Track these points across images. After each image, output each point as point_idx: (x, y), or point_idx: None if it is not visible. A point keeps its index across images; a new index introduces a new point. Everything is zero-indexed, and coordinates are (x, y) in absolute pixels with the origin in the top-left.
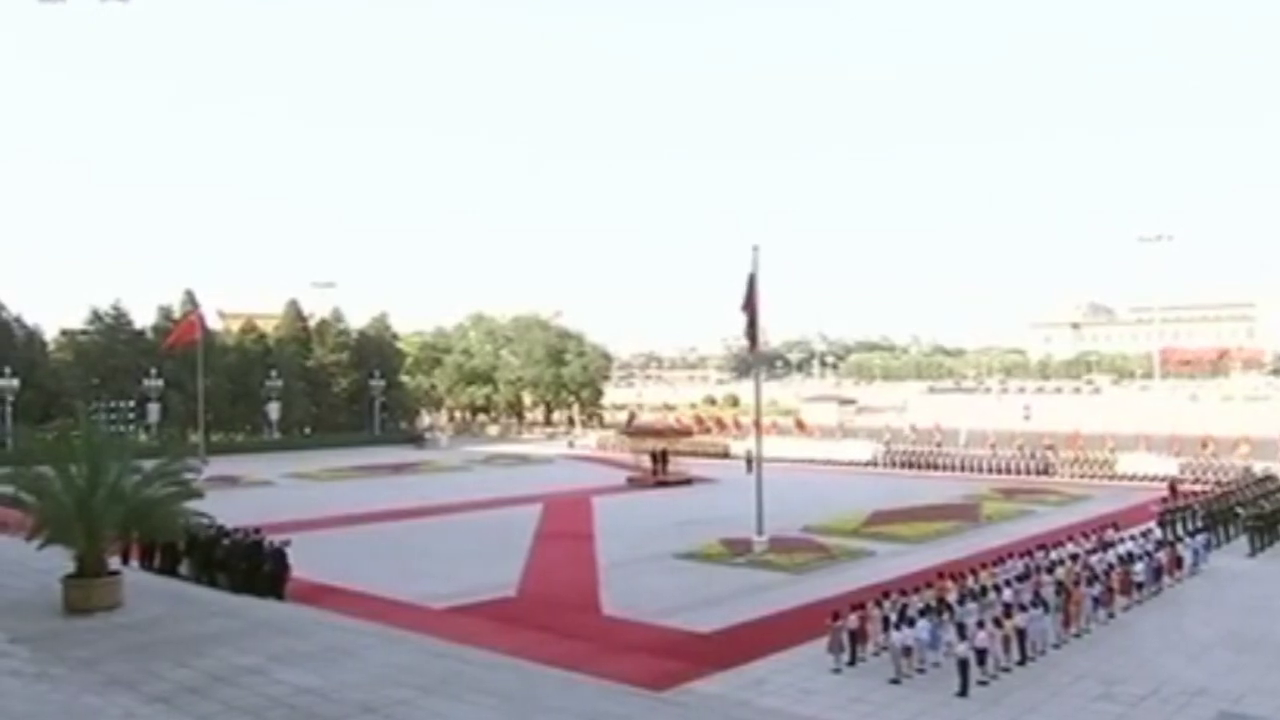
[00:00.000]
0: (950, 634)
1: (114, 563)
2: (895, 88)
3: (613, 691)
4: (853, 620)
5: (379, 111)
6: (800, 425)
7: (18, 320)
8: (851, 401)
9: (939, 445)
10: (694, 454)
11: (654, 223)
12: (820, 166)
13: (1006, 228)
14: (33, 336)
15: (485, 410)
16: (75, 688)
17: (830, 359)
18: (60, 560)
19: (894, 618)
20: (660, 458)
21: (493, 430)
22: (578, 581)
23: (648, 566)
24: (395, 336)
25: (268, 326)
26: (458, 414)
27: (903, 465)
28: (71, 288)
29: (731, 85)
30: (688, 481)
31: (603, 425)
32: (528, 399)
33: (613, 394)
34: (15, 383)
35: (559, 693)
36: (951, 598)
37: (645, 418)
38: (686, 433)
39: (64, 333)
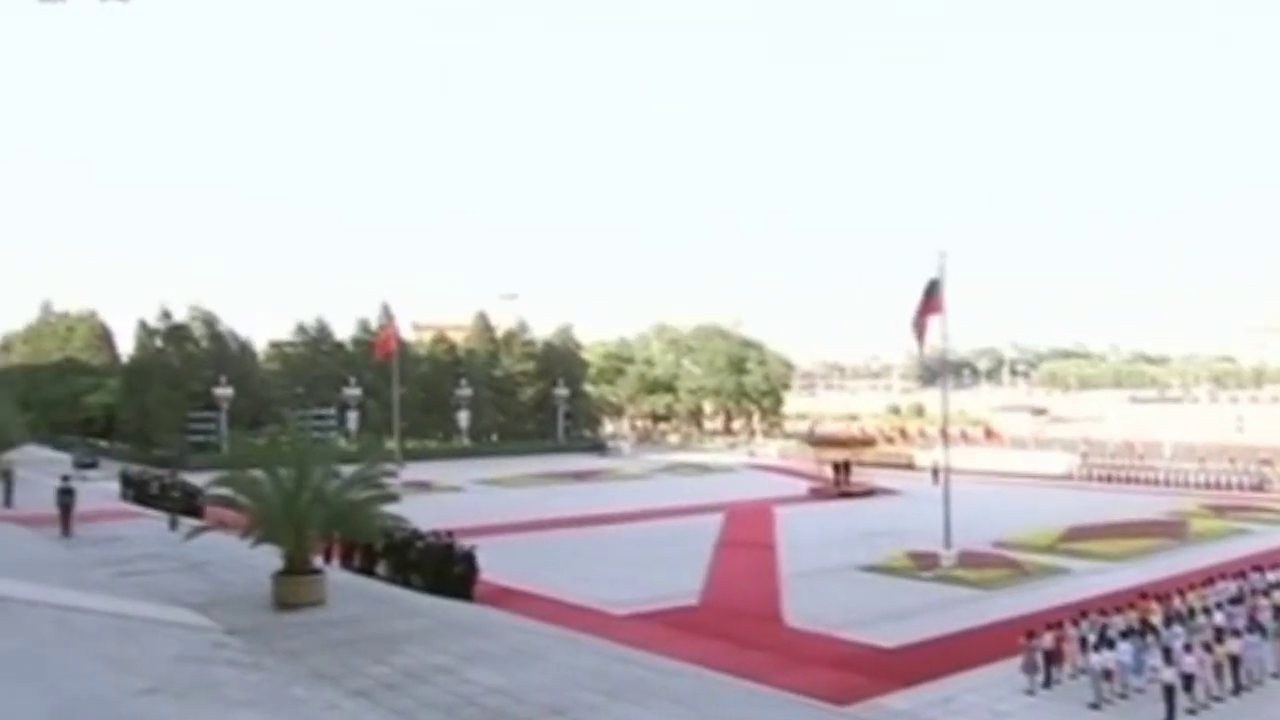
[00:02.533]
0: (1155, 658)
1: (317, 561)
2: (1079, 75)
3: (795, 704)
4: (1048, 640)
5: (555, 121)
6: (989, 435)
7: (232, 333)
8: (1044, 411)
9: (1141, 458)
10: (878, 464)
11: (839, 228)
12: (1008, 165)
13: (1215, 226)
14: (245, 348)
15: (666, 419)
16: (284, 679)
17: (1021, 367)
18: (270, 558)
19: (1093, 639)
20: (843, 468)
21: (674, 439)
22: (760, 591)
23: (831, 578)
24: (579, 346)
25: (458, 337)
26: (639, 422)
27: (1101, 478)
28: (278, 301)
29: (917, 84)
30: (871, 492)
31: (784, 435)
32: (708, 407)
33: (794, 403)
34: (230, 391)
35: (741, 702)
36: (1156, 620)
37: (828, 427)
38: (870, 442)
39: (272, 344)
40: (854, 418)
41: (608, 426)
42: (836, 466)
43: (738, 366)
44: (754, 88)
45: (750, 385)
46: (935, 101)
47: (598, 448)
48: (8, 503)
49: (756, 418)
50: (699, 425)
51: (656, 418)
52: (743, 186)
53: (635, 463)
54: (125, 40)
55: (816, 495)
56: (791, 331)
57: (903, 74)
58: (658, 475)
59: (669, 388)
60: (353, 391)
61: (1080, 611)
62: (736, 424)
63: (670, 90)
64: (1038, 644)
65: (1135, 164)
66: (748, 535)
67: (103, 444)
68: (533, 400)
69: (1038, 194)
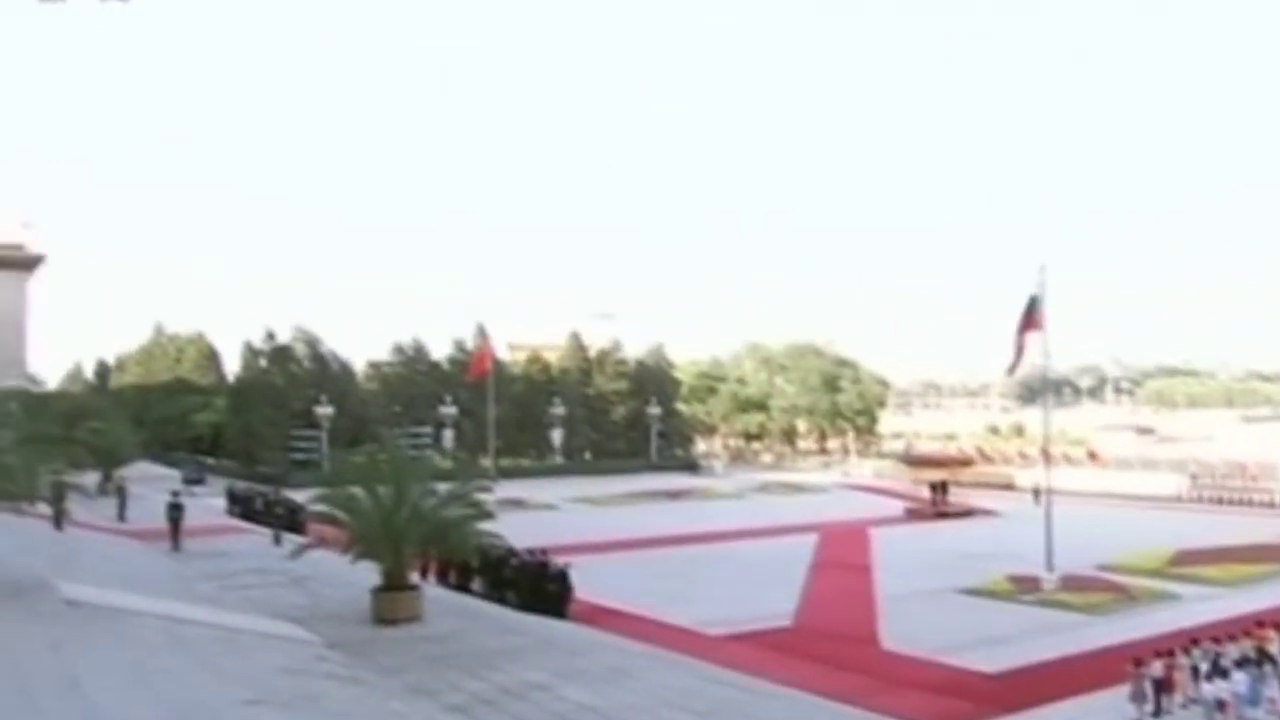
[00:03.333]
0: (1273, 689)
1: (414, 578)
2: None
3: None
4: (1158, 668)
5: (642, 136)
6: (1092, 456)
7: (333, 354)
8: (1150, 430)
9: (1254, 479)
10: (976, 485)
11: (936, 242)
12: (1112, 181)
13: None
14: (345, 368)
15: (759, 438)
16: (382, 693)
17: (1125, 385)
18: (369, 574)
19: (1205, 667)
20: (940, 488)
21: (766, 458)
22: (855, 613)
23: (928, 601)
24: (671, 365)
25: (552, 357)
26: (732, 441)
27: (1211, 500)
28: (376, 321)
29: (1014, 100)
30: (969, 513)
31: (879, 454)
32: (802, 427)
33: (889, 422)
34: (331, 410)
35: None
36: (1274, 649)
37: (924, 446)
38: (968, 462)
39: (371, 364)
40: (951, 437)
41: (700, 445)
42: (933, 487)
43: (832, 385)
44: (846, 88)
45: (844, 404)
46: (1035, 98)
47: (690, 467)
48: (121, 517)
49: (851, 437)
50: (792, 445)
51: (749, 437)
52: (837, 199)
53: (728, 482)
54: (194, 41)
55: (913, 516)
56: (887, 349)
57: (1007, 68)
58: (751, 495)
59: (762, 407)
60: (448, 410)
61: (1191, 639)
62: (830, 443)
63: (761, 96)
64: (1147, 672)
65: (1248, 171)
66: (842, 556)
67: (210, 461)
68: (625, 419)
69: (1141, 204)
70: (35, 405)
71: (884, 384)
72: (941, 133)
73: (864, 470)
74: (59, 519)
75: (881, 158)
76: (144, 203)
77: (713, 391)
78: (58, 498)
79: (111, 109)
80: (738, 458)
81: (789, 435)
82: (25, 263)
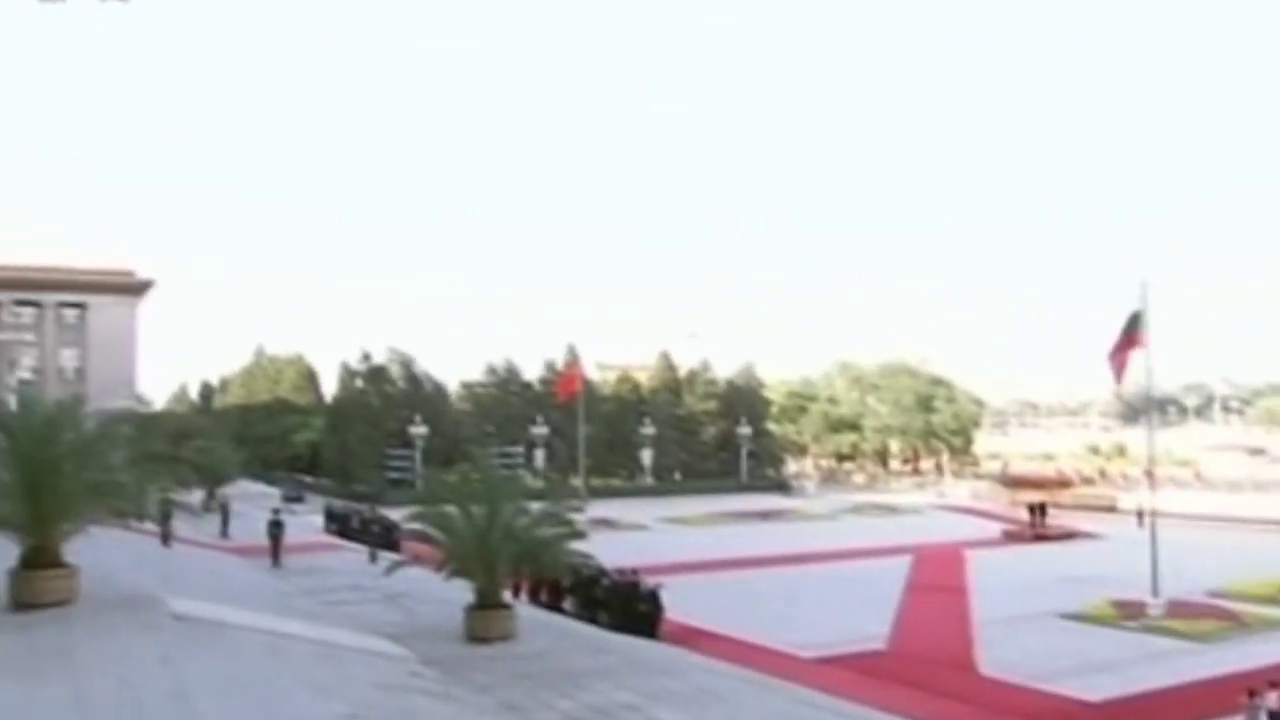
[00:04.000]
0: None
1: (507, 596)
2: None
3: None
4: (1272, 699)
5: (735, 157)
6: (1199, 477)
7: (427, 374)
8: (1262, 451)
9: None
10: (1077, 507)
11: (1032, 258)
12: (1222, 188)
13: None
14: (439, 389)
15: (851, 458)
16: (475, 710)
17: (1234, 404)
18: (463, 592)
19: None
20: (1039, 510)
21: (859, 478)
22: (951, 638)
23: (1027, 626)
24: (761, 385)
25: (641, 377)
26: (823, 461)
27: None
28: (468, 340)
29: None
30: (1070, 536)
31: (975, 475)
32: (895, 447)
33: (985, 442)
34: (424, 429)
35: None
36: None
37: (1021, 467)
38: (1067, 484)
39: (464, 385)
40: (1050, 457)
41: (791, 466)
42: (1032, 509)
43: (925, 405)
44: (936, 92)
45: (939, 424)
46: (1150, 97)
47: (781, 487)
48: (224, 534)
49: (945, 457)
50: (885, 465)
51: (841, 457)
52: (928, 209)
53: (820, 503)
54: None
55: (1011, 538)
56: (982, 367)
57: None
58: (843, 516)
59: (854, 427)
60: (540, 430)
61: None
62: (924, 464)
63: (840, 106)
64: (1261, 703)
65: None
66: (938, 579)
67: (308, 479)
68: (715, 439)
69: (1252, 212)
70: (144, 425)
71: (979, 403)
72: (1040, 136)
73: (959, 491)
74: (166, 535)
75: (973, 166)
76: (246, 226)
77: (803, 411)
78: (165, 515)
79: (208, 132)
80: (829, 478)
81: (882, 456)
82: (135, 288)
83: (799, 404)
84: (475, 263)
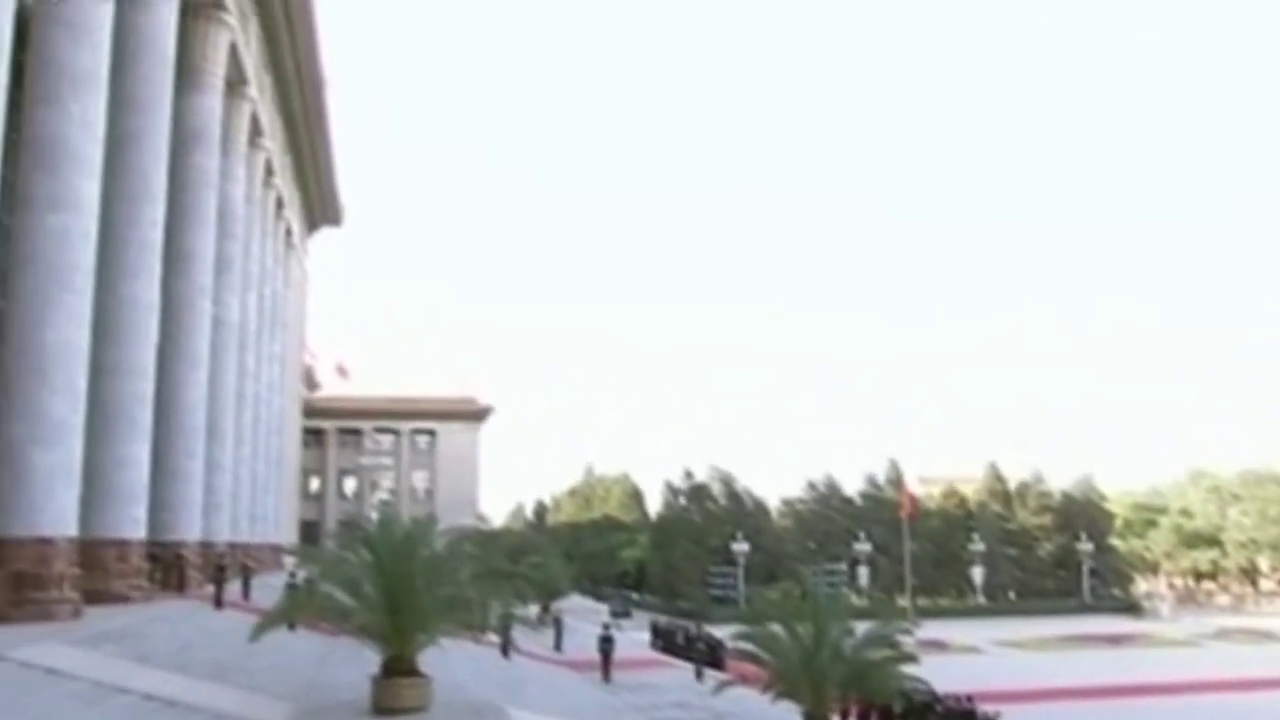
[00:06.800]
0: None
1: None
2: None
3: None
4: None
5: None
6: None
7: (748, 491)
8: None
9: None
10: None
11: None
12: None
13: None
14: (759, 505)
15: (1212, 576)
16: None
17: None
18: (790, 715)
19: None
20: None
21: (1223, 599)
22: None
23: None
24: (1102, 497)
25: (967, 490)
26: (1178, 580)
27: None
28: (787, 458)
29: None
30: None
31: None
32: (1264, 564)
33: None
34: (746, 546)
35: None
36: None
37: None
38: None
39: (784, 501)
40: None
41: (1141, 585)
42: None
43: None
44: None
45: None
46: None
47: (1130, 608)
48: (558, 647)
49: None
50: (1254, 584)
51: (1200, 575)
52: None
53: (1176, 627)
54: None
55: None
56: None
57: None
58: (1205, 642)
59: (1213, 542)
60: (862, 547)
61: None
62: None
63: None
64: None
65: None
66: None
67: (634, 595)
68: (1052, 555)
69: None
70: (485, 542)
71: None
72: None
73: None
74: (506, 647)
75: None
76: (577, 349)
77: (1152, 524)
78: (505, 628)
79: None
80: (1187, 599)
81: (1249, 574)
82: (477, 414)
83: (1146, 517)
84: (792, 377)
